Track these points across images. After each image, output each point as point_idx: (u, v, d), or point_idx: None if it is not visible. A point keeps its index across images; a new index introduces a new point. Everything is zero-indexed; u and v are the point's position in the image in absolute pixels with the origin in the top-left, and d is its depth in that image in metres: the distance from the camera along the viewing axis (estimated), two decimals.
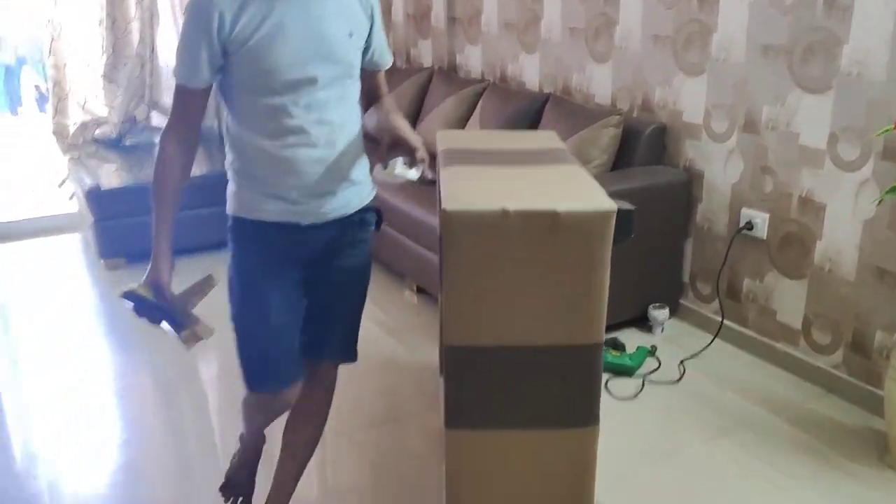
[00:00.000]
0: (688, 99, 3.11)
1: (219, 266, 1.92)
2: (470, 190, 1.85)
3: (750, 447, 2.42)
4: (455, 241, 1.74)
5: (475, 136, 2.49)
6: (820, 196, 2.68)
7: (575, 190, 1.85)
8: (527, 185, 1.89)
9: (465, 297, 1.77)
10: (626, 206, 1.78)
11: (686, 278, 3.25)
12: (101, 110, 4.49)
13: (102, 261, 3.94)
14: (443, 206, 1.73)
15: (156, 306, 1.72)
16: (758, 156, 2.86)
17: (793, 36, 2.66)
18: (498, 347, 1.81)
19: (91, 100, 4.47)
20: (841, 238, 2.62)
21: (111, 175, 4.02)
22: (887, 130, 2.19)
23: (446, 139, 2.34)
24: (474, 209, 1.72)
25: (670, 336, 3.15)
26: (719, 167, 3.01)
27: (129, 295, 1.70)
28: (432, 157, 1.98)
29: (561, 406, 1.87)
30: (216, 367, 3.08)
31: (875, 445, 2.42)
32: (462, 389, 1.85)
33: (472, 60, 4.42)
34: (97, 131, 4.49)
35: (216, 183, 3.98)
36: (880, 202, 2.34)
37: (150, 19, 4.37)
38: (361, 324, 3.44)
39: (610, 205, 1.75)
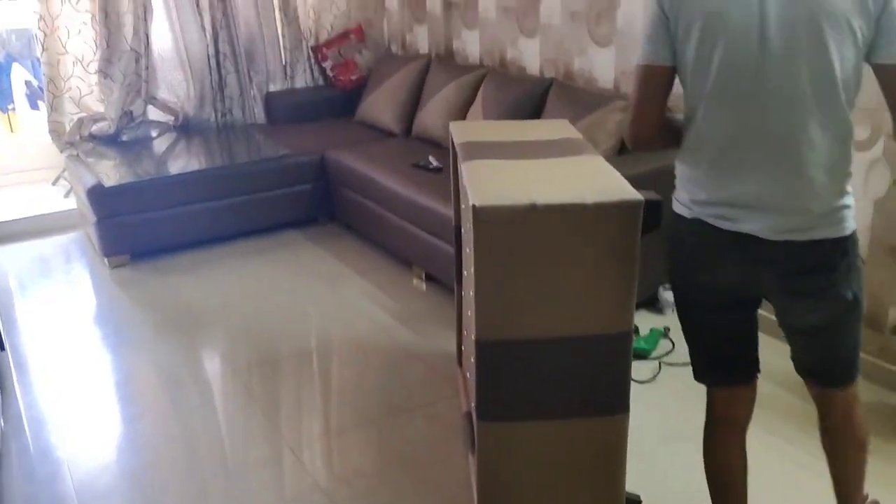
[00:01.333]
0: None
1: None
2: (496, 184, 1.86)
3: (770, 426, 2.45)
4: (485, 236, 1.75)
5: (489, 127, 2.50)
6: None
7: (600, 181, 1.86)
8: (552, 178, 1.90)
9: (495, 291, 1.79)
10: (654, 196, 1.79)
11: None
12: (97, 106, 4.45)
13: (106, 259, 3.92)
14: (471, 201, 1.74)
15: None
16: None
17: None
18: (529, 340, 1.83)
19: (86, 96, 4.43)
20: None
21: (111, 172, 3.99)
22: None
23: (461, 131, 2.34)
24: (503, 204, 1.73)
25: None
26: None
27: None
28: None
29: (591, 395, 1.89)
30: (219, 362, 3.09)
31: (893, 421, 2.47)
32: (494, 383, 1.86)
33: (470, 46, 4.40)
34: (93, 127, 4.44)
35: (212, 176, 3.97)
36: (895, 182, 2.38)
37: (144, 12, 4.32)
38: (371, 312, 3.46)
39: (637, 196, 1.76)
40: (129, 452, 2.49)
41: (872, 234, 2.60)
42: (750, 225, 1.59)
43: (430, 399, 2.74)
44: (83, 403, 2.78)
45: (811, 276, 1.61)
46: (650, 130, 1.68)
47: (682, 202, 1.73)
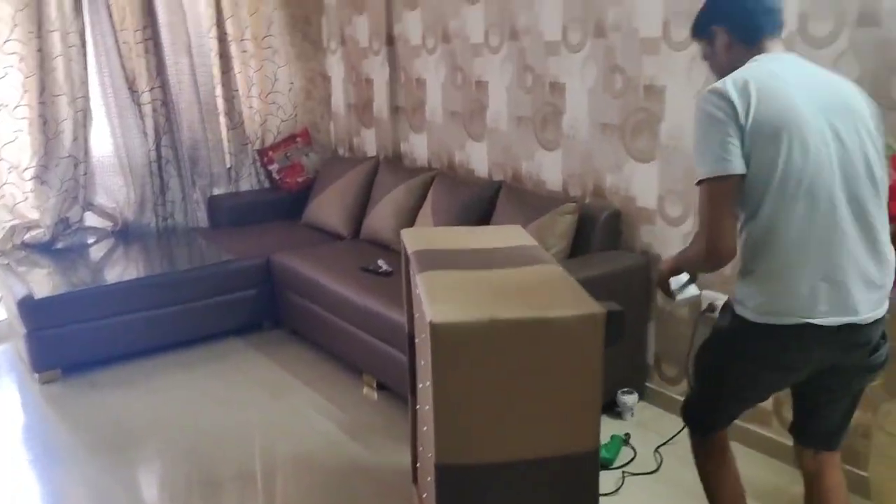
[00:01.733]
0: (640, 185, 3.16)
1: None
2: (454, 299, 1.79)
3: None
4: (444, 354, 1.67)
5: (443, 234, 2.45)
6: None
7: (561, 294, 1.81)
8: (511, 291, 1.85)
9: (455, 412, 1.70)
10: (615, 307, 1.75)
11: (651, 361, 3.24)
12: (32, 213, 4.29)
13: (36, 374, 3.69)
14: (428, 318, 1.66)
15: None
16: None
17: None
18: (491, 464, 1.73)
19: (20, 203, 4.27)
20: None
21: (44, 281, 3.81)
22: None
23: (414, 239, 2.28)
24: (463, 321, 1.66)
25: (641, 421, 3.11)
26: (676, 251, 3.02)
27: None
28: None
29: None
30: (156, 484, 2.87)
31: None
32: None
33: (418, 149, 4.43)
34: (27, 235, 4.27)
35: (151, 285, 3.82)
36: None
37: (84, 118, 4.24)
38: (319, 425, 3.29)
39: (598, 308, 1.72)
40: None
41: None
42: (851, 312, 1.68)
43: None
44: None
45: (881, 348, 1.79)
46: (732, 243, 1.71)
47: (765, 310, 1.73)
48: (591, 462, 1.77)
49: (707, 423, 2.01)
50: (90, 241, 4.43)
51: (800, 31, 2.53)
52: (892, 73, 2.35)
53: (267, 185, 5.03)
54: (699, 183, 1.71)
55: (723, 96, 1.66)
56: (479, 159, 3.98)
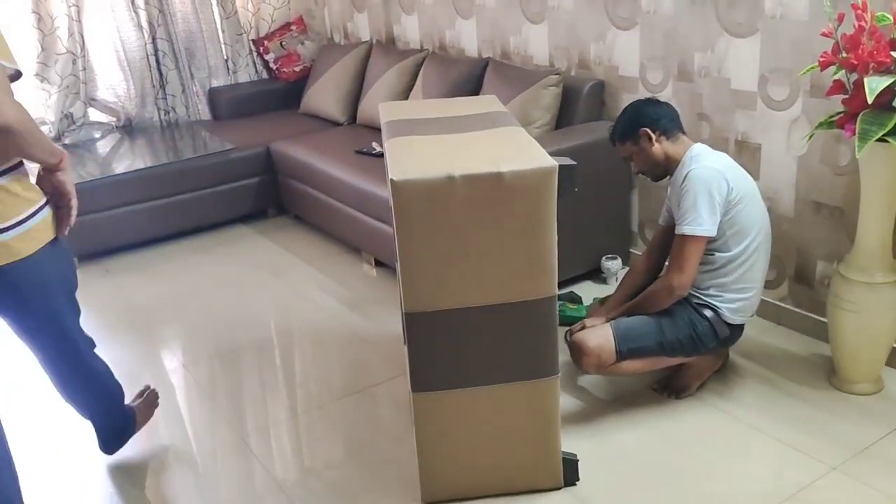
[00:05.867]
0: (622, 53, 3.17)
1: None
2: (415, 159, 1.89)
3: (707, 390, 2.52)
4: (405, 210, 1.78)
5: (417, 106, 2.52)
6: (755, 137, 2.77)
7: (517, 150, 1.90)
8: (470, 150, 1.94)
9: (419, 264, 1.82)
10: (567, 161, 1.83)
11: (635, 228, 3.34)
12: (38, 110, 4.39)
13: None
14: (390, 176, 1.77)
15: None
16: (693, 103, 2.94)
17: None
18: (455, 310, 1.87)
19: (25, 101, 4.36)
20: (777, 176, 2.72)
21: None
22: (812, 68, 2.27)
23: (389, 111, 2.36)
24: (421, 177, 1.76)
25: None
26: None
27: None
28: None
29: (521, 360, 1.94)
30: (171, 359, 3.09)
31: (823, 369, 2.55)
32: (424, 354, 1.90)
33: (410, 31, 4.42)
34: None
35: (157, 174, 3.94)
36: (811, 137, 2.44)
37: (78, 13, 4.28)
38: (321, 300, 3.46)
39: (551, 162, 1.80)
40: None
41: (797, 190, 2.68)
42: None
43: (382, 380, 2.76)
44: (32, 412, 2.76)
45: None
46: None
47: None
48: (549, 308, 1.89)
49: None
50: (97, 136, 4.54)
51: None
52: None
53: (265, 75, 5.06)
54: None
55: None
56: (468, 37, 3.98)
